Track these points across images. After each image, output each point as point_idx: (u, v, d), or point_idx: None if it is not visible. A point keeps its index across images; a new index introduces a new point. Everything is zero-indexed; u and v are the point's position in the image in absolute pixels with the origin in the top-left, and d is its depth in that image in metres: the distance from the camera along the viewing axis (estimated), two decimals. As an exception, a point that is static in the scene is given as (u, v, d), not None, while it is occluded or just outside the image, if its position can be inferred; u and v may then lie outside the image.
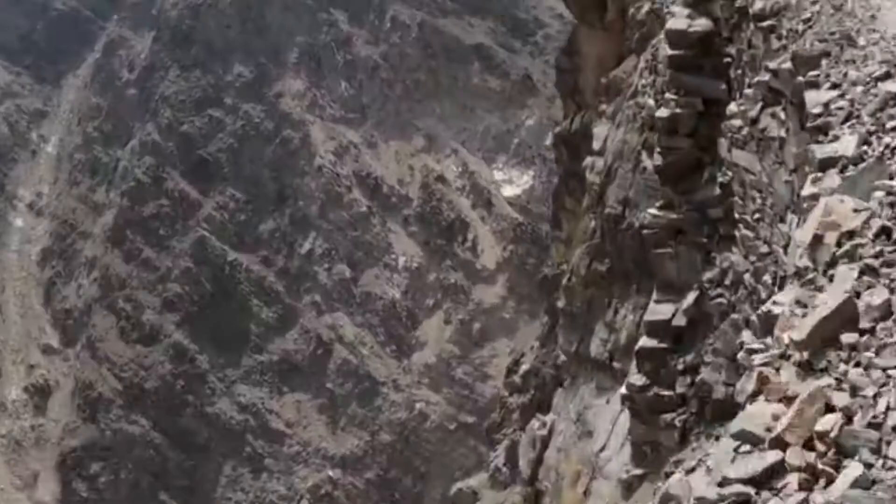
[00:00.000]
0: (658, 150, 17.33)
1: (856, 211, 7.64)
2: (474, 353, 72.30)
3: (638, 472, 17.96)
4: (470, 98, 77.41)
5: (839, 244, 7.49)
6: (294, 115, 77.44)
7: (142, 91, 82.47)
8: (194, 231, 76.11)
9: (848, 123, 9.56)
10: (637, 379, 17.12)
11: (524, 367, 28.15)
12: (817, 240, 7.63)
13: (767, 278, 12.89)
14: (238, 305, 74.26)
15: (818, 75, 10.68)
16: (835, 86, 10.23)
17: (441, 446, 71.11)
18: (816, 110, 10.12)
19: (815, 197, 8.70)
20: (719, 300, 15.51)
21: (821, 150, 9.18)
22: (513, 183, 75.30)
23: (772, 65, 12.37)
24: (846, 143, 8.92)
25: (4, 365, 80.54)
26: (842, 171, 8.66)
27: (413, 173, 75.66)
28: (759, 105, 13.06)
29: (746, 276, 14.00)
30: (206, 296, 74.83)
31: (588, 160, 23.13)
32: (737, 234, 14.53)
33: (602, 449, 19.92)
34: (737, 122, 14.07)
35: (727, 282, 15.26)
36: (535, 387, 26.46)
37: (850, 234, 7.49)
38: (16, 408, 79.19)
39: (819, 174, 8.91)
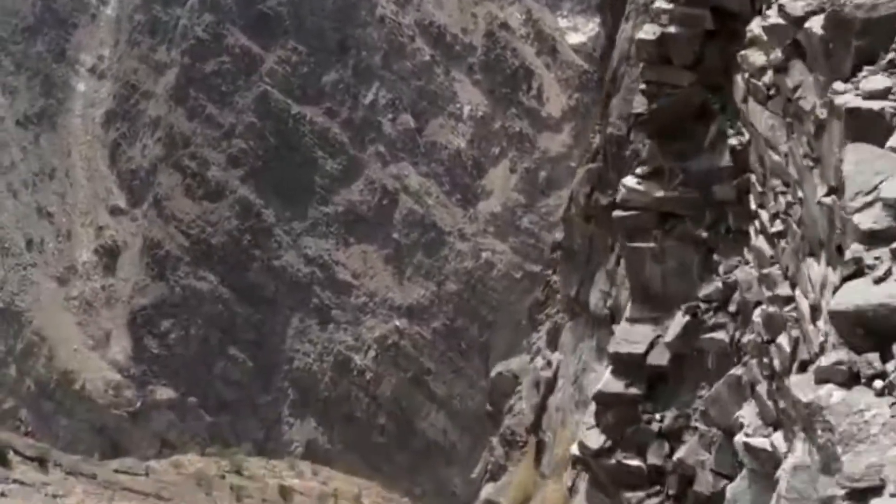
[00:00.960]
0: (642, 87, 11.53)
1: None
2: (540, 201, 71.89)
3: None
4: (533, -57, 75.68)
5: None
6: (354, -35, 76.27)
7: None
8: (257, 86, 75.78)
9: None
10: (593, 438, 11.82)
11: (568, 245, 26.21)
12: None
13: (784, 343, 7.65)
14: (302, 158, 74.20)
15: (869, 73, 5.04)
16: None
17: (507, 295, 71.26)
18: (855, 188, 4.64)
19: None
20: (718, 334, 10.44)
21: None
22: (578, 30, 73.79)
23: (788, 4, 6.88)
24: None
25: (74, 227, 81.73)
26: None
27: (476, 21, 74.39)
28: (788, 43, 7.54)
29: (757, 317, 8.87)
30: (270, 150, 74.83)
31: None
32: (751, 232, 9.24)
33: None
34: (757, 58, 8.41)
35: (731, 307, 10.31)
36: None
37: None
38: (86, 269, 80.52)
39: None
